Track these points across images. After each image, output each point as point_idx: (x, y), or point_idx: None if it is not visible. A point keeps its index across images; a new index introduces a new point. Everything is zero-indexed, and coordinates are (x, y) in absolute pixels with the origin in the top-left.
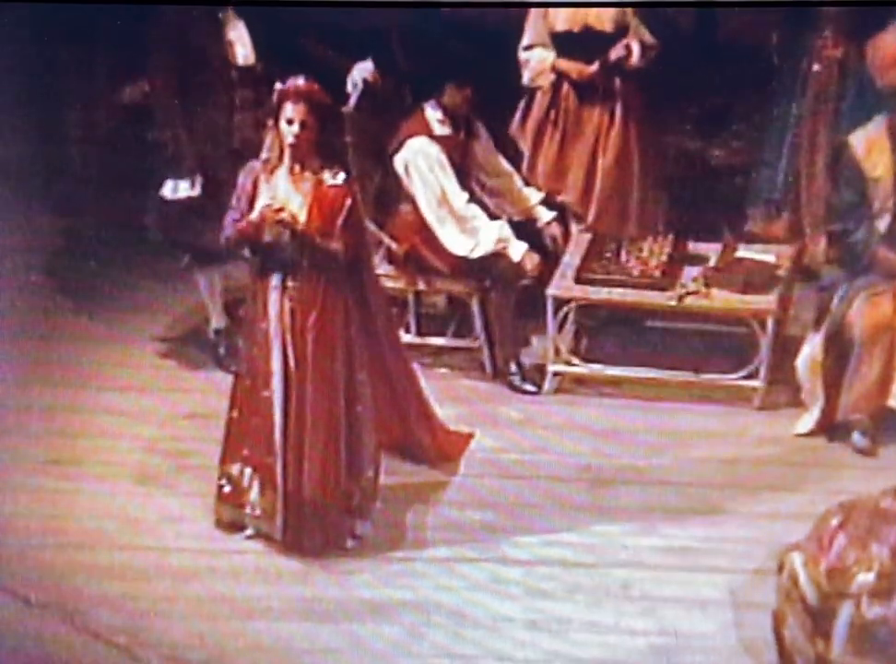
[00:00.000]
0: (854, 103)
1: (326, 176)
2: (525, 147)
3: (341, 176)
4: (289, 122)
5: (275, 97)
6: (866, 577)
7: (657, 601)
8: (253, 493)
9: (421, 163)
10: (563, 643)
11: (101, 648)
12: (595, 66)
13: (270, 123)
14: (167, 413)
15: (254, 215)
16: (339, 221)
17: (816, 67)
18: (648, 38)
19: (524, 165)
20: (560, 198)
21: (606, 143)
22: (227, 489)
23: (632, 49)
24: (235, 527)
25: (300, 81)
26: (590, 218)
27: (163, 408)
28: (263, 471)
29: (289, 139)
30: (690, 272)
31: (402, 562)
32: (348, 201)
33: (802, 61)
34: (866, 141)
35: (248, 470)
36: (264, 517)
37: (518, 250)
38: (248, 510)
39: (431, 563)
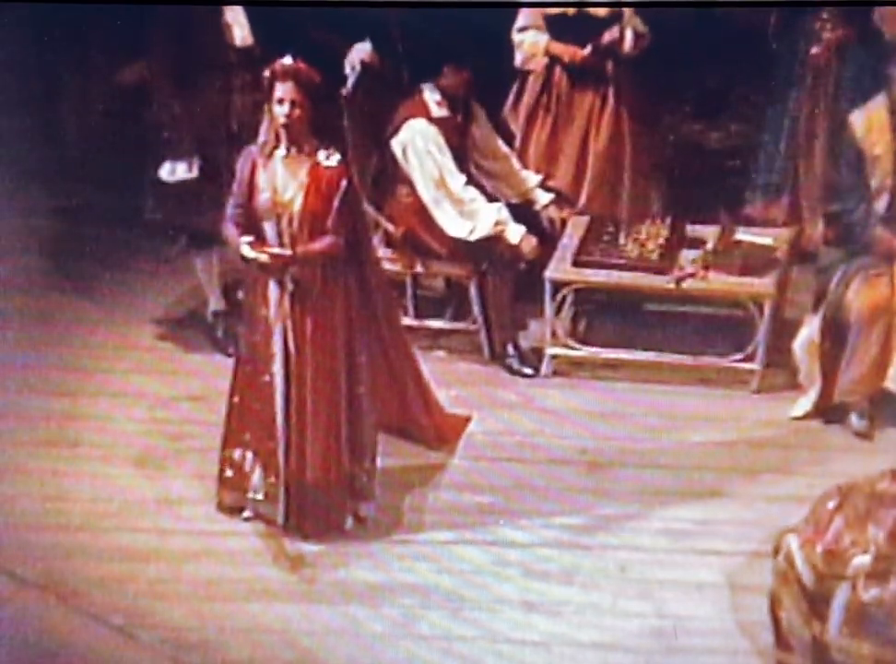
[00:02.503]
0: (853, 85)
1: (321, 157)
2: (517, 130)
3: (336, 157)
4: (280, 102)
5: (265, 79)
6: (862, 559)
7: (654, 584)
8: (256, 478)
9: (419, 145)
10: (561, 625)
11: (99, 630)
12: (587, 50)
13: (266, 107)
14: (165, 395)
15: (243, 251)
16: (336, 203)
17: (814, 50)
18: (641, 28)
19: (516, 149)
20: (550, 183)
21: (598, 128)
22: (229, 473)
23: (625, 34)
24: (237, 511)
25: (287, 60)
26: (581, 202)
27: (161, 390)
28: (265, 456)
29: (281, 120)
30: (688, 255)
31: (400, 544)
32: (344, 182)
33: (800, 43)
34: (866, 120)
35: (250, 455)
36: (266, 501)
37: (516, 233)
38: (251, 494)
39: (430, 546)
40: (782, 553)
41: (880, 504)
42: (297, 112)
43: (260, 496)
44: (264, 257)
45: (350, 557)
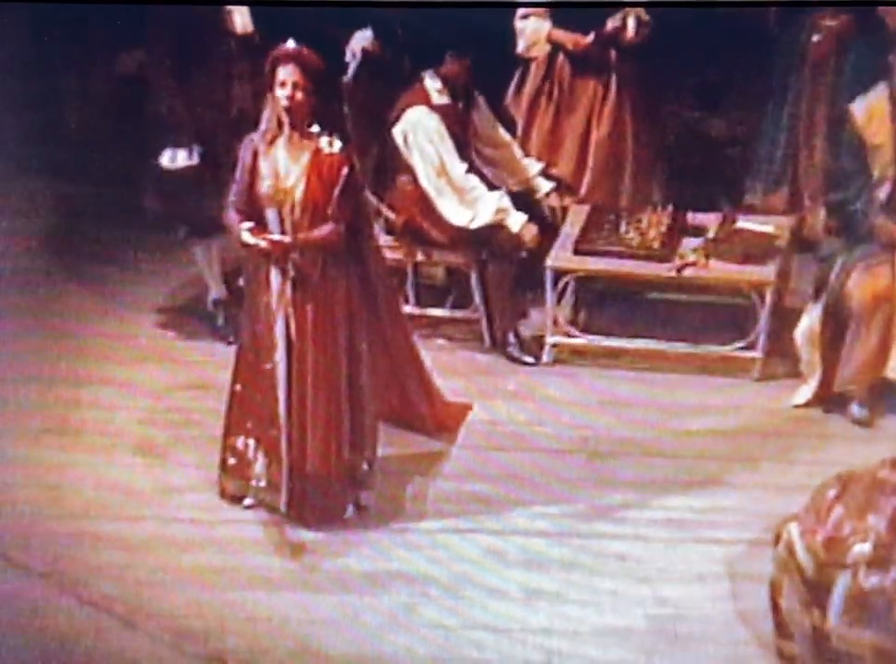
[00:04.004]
0: (853, 74)
1: (324, 144)
2: (520, 118)
3: (338, 144)
4: (282, 84)
5: (268, 63)
6: (862, 548)
7: (655, 573)
8: (258, 466)
9: (420, 133)
10: (561, 614)
11: (100, 618)
12: (590, 38)
13: (268, 95)
14: (166, 384)
15: (243, 237)
16: (337, 190)
17: (815, 38)
18: (644, 16)
19: (518, 137)
20: (552, 171)
21: (600, 115)
22: (231, 462)
23: (628, 23)
24: (239, 499)
25: (289, 44)
26: (582, 190)
27: (162, 378)
28: (267, 444)
29: (283, 102)
30: (689, 243)
31: (400, 533)
32: (345, 169)
33: (801, 32)
34: (867, 109)
35: (252, 443)
36: (269, 490)
37: (517, 221)
38: (253, 482)
39: (430, 535)
40: (782, 542)
41: (881, 493)
42: (299, 95)
43: (263, 484)
44: (263, 243)
45: (350, 546)
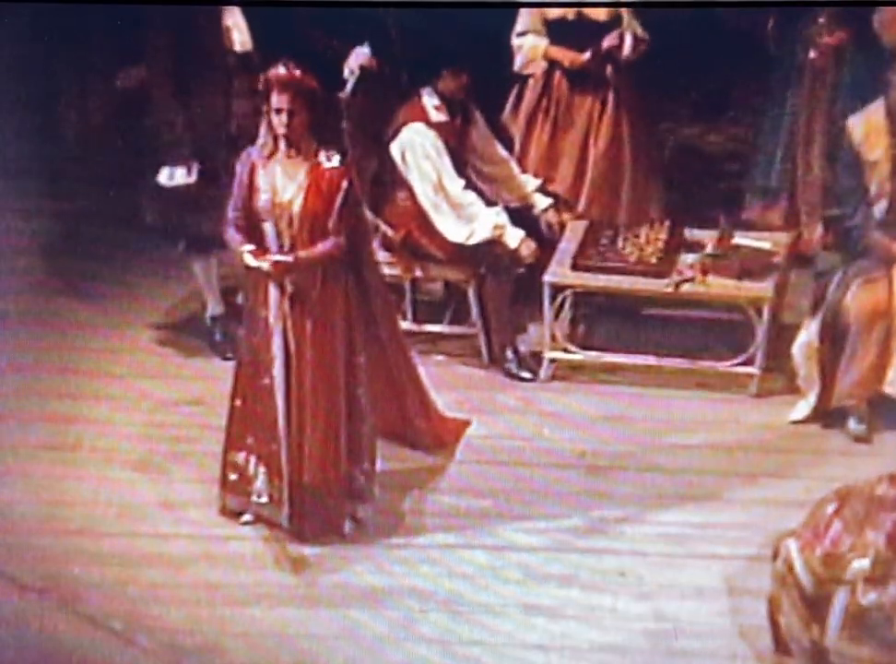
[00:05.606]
0: (850, 90)
1: (322, 158)
2: (517, 135)
3: (336, 158)
4: (278, 112)
5: (262, 85)
6: (861, 564)
7: (654, 587)
8: (259, 481)
9: (418, 150)
10: (560, 628)
11: (98, 634)
12: (587, 55)
13: (265, 108)
14: (163, 399)
15: (245, 260)
16: (337, 204)
17: (811, 54)
18: (640, 31)
19: (516, 153)
20: (550, 187)
21: (597, 132)
22: (232, 477)
23: (625, 39)
24: (239, 514)
25: (281, 69)
26: (580, 206)
27: (160, 394)
28: (268, 459)
29: (281, 129)
30: (687, 259)
31: (399, 548)
32: (345, 183)
33: (798, 48)
34: (864, 124)
35: (253, 459)
36: (270, 505)
37: (515, 237)
38: (254, 498)
39: (428, 550)
40: (781, 557)
41: (879, 508)
42: (296, 120)
43: (264, 499)
44: (266, 266)
45: (350, 560)
